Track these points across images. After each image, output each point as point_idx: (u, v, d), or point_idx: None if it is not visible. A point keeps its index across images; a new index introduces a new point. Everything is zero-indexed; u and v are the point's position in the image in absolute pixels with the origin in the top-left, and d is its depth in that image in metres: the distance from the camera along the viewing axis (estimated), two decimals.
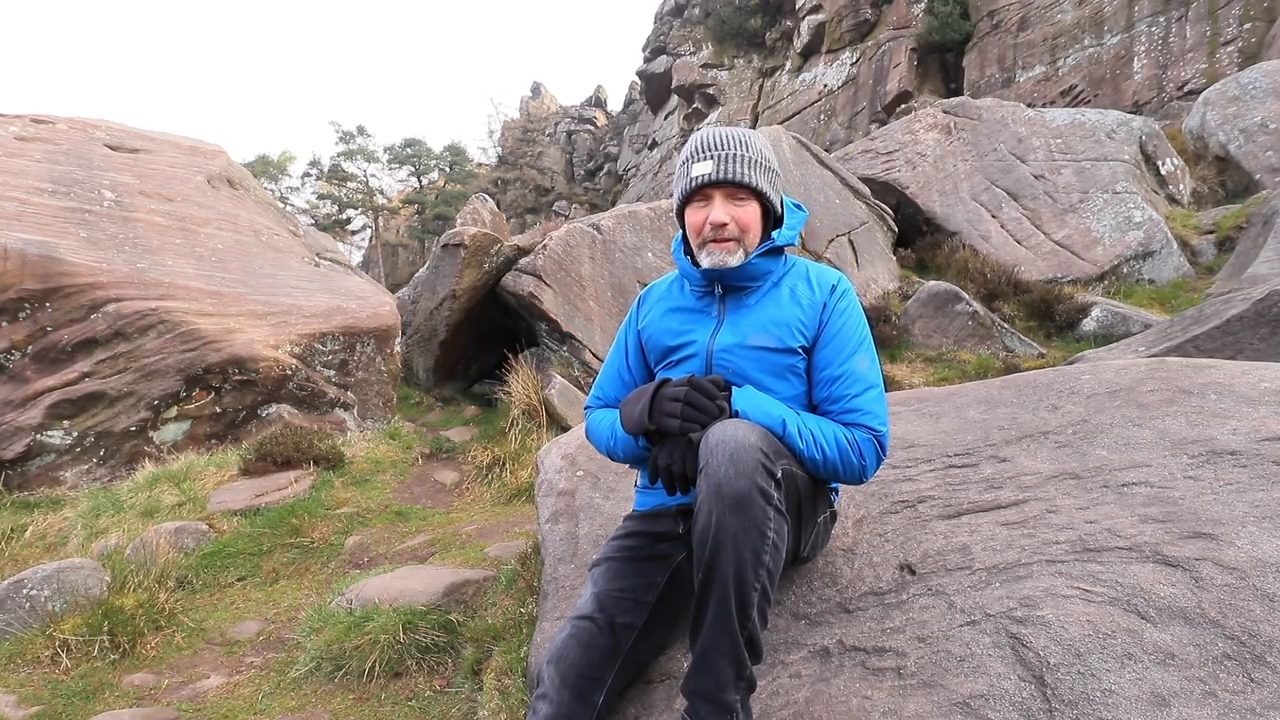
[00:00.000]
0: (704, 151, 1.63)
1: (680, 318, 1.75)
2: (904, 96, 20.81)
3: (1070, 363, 5.32)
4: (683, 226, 1.74)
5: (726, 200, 1.62)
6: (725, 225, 1.62)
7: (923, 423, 2.35)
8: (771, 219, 1.71)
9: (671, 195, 1.77)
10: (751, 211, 1.64)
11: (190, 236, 6.56)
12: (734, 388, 1.55)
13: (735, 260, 1.63)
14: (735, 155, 1.61)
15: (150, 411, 5.62)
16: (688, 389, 1.49)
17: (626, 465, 1.81)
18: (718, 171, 1.60)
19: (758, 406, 1.52)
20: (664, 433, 1.52)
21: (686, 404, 1.47)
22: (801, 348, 1.63)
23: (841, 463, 1.52)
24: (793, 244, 1.72)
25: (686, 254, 1.76)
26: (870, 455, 1.54)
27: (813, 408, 1.65)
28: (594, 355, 7.00)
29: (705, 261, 1.66)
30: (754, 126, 24.64)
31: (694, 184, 1.63)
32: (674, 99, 31.56)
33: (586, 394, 1.85)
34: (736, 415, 1.49)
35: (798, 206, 1.78)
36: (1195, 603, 1.30)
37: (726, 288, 1.69)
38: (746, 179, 1.61)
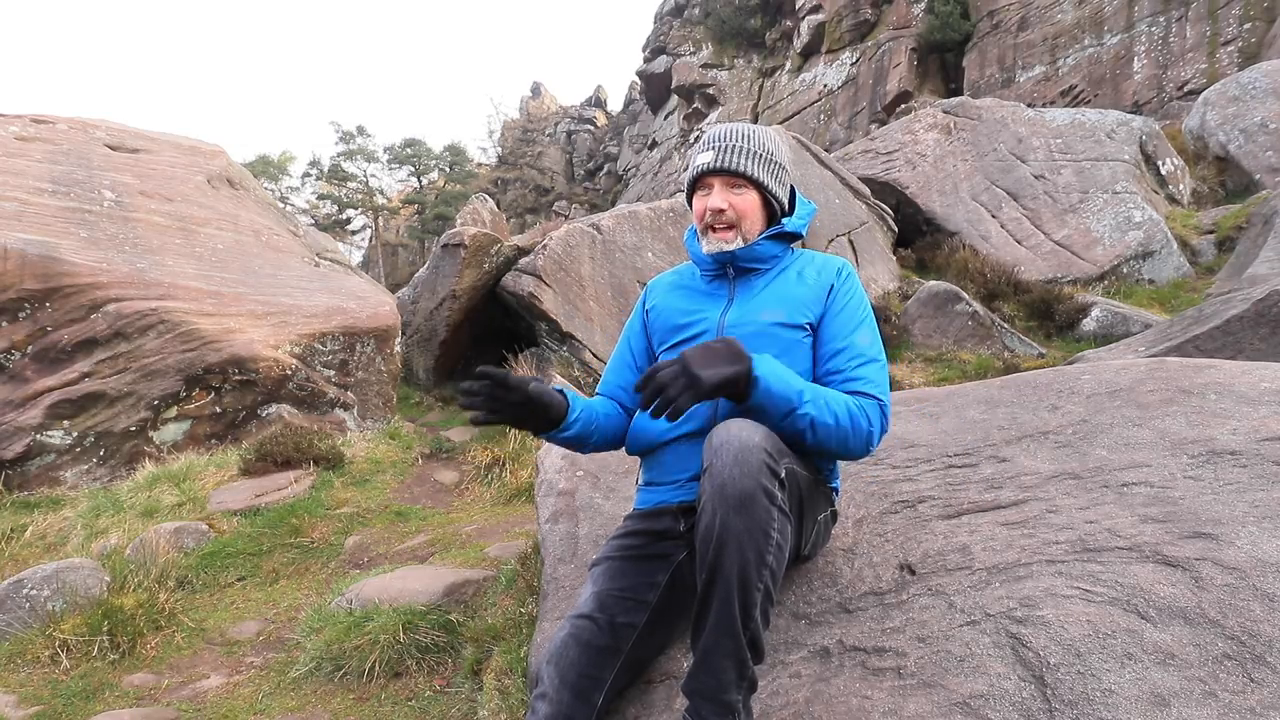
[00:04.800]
0: (709, 143, 1.73)
1: (691, 298, 1.80)
2: (904, 96, 20.80)
3: (1070, 363, 5.32)
4: None
5: (725, 188, 1.71)
6: (723, 211, 1.70)
7: (923, 423, 2.35)
8: (775, 210, 1.76)
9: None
10: (749, 200, 1.71)
11: (190, 236, 6.56)
12: (757, 355, 1.48)
13: (731, 246, 1.70)
14: (735, 147, 1.70)
15: (150, 411, 5.62)
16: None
17: (610, 451, 1.84)
18: (717, 160, 1.69)
19: (778, 375, 1.47)
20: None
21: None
22: (809, 324, 1.68)
23: (852, 427, 1.53)
24: (802, 233, 1.78)
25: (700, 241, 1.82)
26: (876, 420, 1.56)
27: (816, 382, 1.67)
28: (594, 355, 7.00)
29: (705, 248, 1.74)
30: None
31: (695, 172, 1.73)
32: (674, 99, 31.54)
33: (586, 394, 1.86)
34: (755, 381, 1.43)
35: (805, 201, 1.84)
36: (1195, 603, 1.30)
37: (738, 269, 1.76)
38: (742, 168, 1.69)
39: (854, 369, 1.62)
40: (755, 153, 1.70)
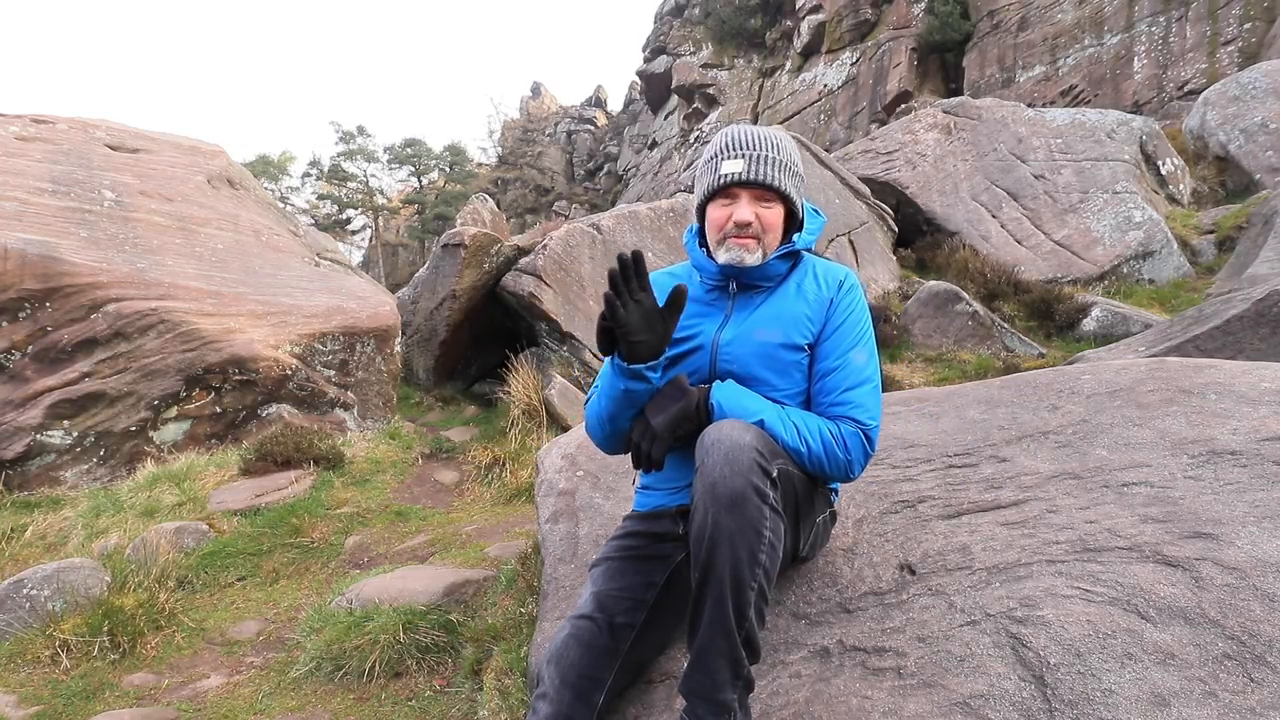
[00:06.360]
0: (735, 150, 1.63)
1: (689, 309, 1.72)
2: (904, 96, 20.81)
3: (1070, 363, 5.32)
4: (701, 221, 1.73)
5: (753, 201, 1.63)
6: (750, 224, 1.62)
7: (923, 423, 2.35)
8: (793, 222, 1.70)
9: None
10: (776, 214, 1.65)
11: (190, 236, 6.56)
12: (716, 382, 1.58)
13: (753, 259, 1.63)
14: (766, 157, 1.61)
15: (150, 411, 5.62)
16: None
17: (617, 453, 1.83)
18: (748, 172, 1.60)
19: (735, 401, 1.53)
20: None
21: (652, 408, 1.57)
22: (807, 345, 1.64)
23: (827, 456, 1.53)
24: (810, 249, 1.73)
25: (702, 246, 1.75)
26: (856, 449, 1.54)
27: (809, 399, 1.65)
28: (594, 355, 6.99)
29: (722, 257, 1.65)
30: None
31: (722, 181, 1.62)
32: (674, 99, 31.54)
33: (586, 394, 1.84)
34: (711, 408, 1.53)
35: (816, 212, 1.78)
36: (1195, 603, 1.30)
37: (741, 285, 1.70)
38: (776, 182, 1.61)
39: (843, 390, 1.58)
40: (785, 164, 1.63)
